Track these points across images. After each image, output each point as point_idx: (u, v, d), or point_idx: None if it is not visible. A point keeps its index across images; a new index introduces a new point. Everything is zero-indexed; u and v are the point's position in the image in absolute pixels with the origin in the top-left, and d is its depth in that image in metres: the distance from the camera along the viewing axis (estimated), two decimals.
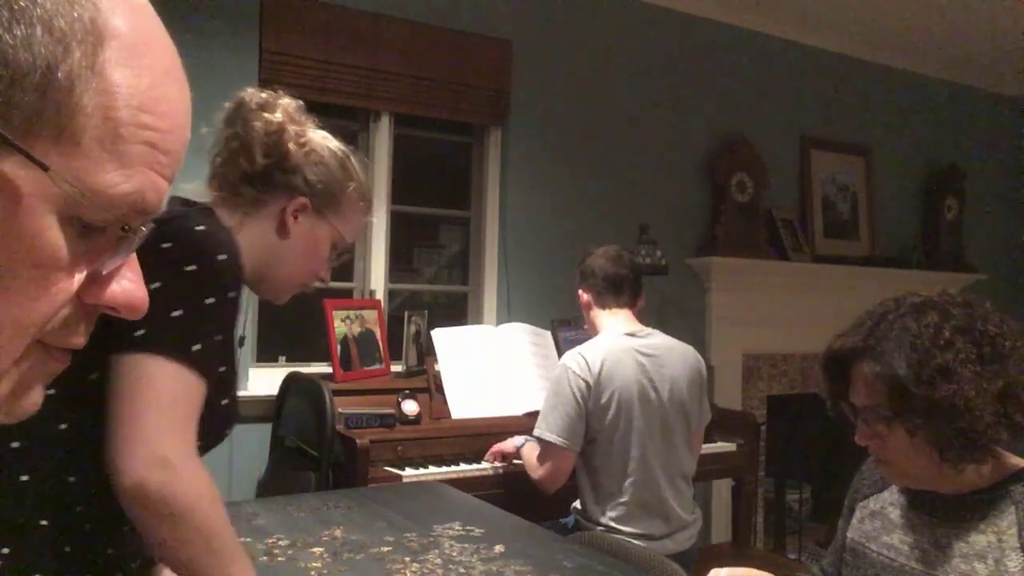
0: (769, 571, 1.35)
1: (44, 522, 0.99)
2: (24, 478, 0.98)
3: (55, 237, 0.43)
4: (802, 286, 4.20)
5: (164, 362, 1.00)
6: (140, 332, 0.99)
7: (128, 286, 0.48)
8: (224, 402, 1.17)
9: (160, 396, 0.99)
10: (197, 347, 1.03)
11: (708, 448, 3.01)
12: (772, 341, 4.17)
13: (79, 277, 0.45)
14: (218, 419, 1.15)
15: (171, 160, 0.48)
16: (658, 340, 2.48)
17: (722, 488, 3.83)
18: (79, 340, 0.48)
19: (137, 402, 0.99)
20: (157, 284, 0.97)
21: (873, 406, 1.26)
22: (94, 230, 0.44)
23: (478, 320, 3.47)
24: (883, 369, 1.22)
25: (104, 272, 0.47)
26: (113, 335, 0.98)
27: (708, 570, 1.33)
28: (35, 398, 0.48)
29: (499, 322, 3.37)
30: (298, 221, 1.27)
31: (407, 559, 1.52)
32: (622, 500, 2.36)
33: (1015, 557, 1.19)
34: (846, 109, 4.53)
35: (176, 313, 1.02)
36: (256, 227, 1.26)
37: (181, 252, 1.05)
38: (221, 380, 1.12)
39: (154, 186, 0.46)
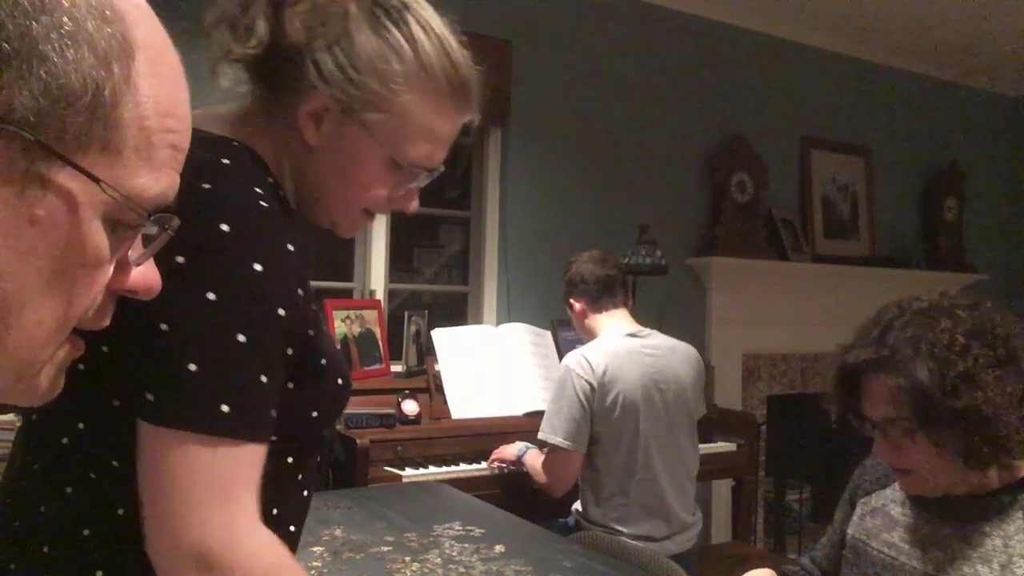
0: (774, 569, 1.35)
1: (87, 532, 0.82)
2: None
3: (101, 239, 0.47)
4: (802, 286, 4.20)
5: (180, 436, 0.74)
6: (149, 396, 0.75)
7: (146, 271, 0.53)
8: (337, 382, 0.91)
9: (179, 479, 0.74)
10: (226, 408, 0.75)
11: (708, 448, 3.02)
12: (772, 341, 4.17)
13: (110, 269, 0.50)
14: (327, 401, 0.90)
15: (183, 156, 0.52)
16: (659, 340, 2.48)
17: (722, 488, 3.83)
18: (106, 322, 0.53)
19: (156, 485, 0.75)
20: (164, 326, 0.74)
21: (894, 418, 1.22)
22: (121, 225, 0.49)
23: (478, 320, 3.47)
24: (905, 381, 1.19)
25: (133, 263, 0.52)
26: (132, 387, 0.76)
27: (708, 570, 1.33)
28: (60, 382, 0.52)
29: (499, 322, 3.37)
30: (321, 127, 0.88)
31: (407, 559, 1.52)
32: (623, 501, 2.36)
33: (1023, 564, 1.18)
34: (846, 109, 4.53)
35: (192, 367, 0.74)
36: (286, 136, 0.89)
37: (192, 270, 0.75)
38: (310, 351, 0.86)
39: (174, 184, 0.51)
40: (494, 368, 3.01)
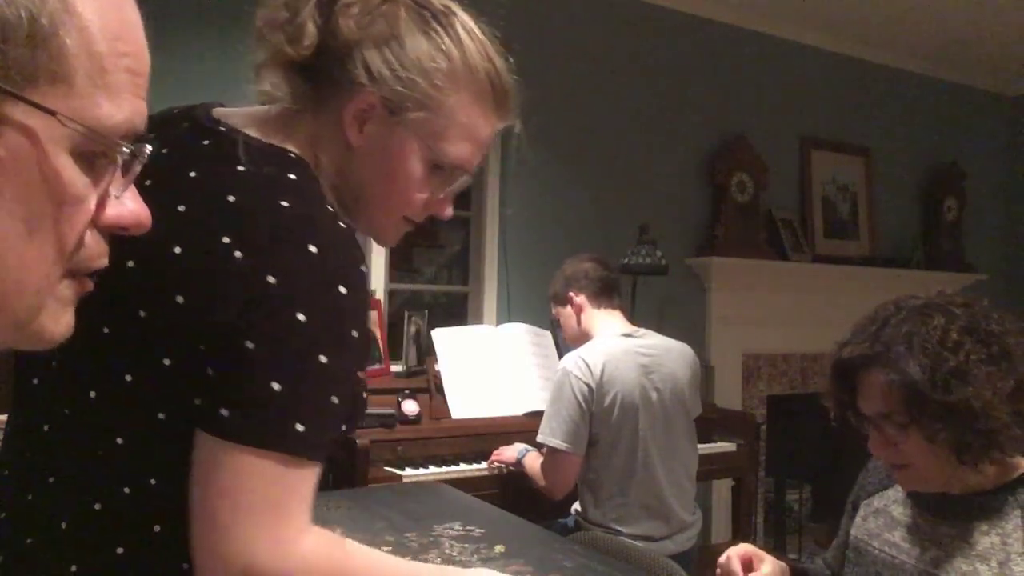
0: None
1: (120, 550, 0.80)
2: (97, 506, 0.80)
3: (72, 174, 0.46)
4: (802, 286, 4.20)
5: (252, 452, 0.74)
6: (224, 411, 0.74)
7: (132, 206, 0.52)
8: (363, 395, 0.92)
9: (241, 494, 0.74)
10: (300, 428, 0.76)
11: (708, 448, 3.02)
12: (772, 341, 4.17)
13: (91, 205, 0.49)
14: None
15: (144, 81, 0.50)
16: (655, 340, 2.48)
17: (722, 488, 3.83)
18: (103, 262, 0.52)
19: (215, 499, 0.74)
20: (251, 344, 0.73)
21: (887, 414, 1.24)
22: (97, 159, 0.48)
23: (478, 320, 3.47)
24: (897, 376, 1.20)
25: (117, 196, 0.51)
26: (200, 403, 0.75)
27: (708, 570, 1.34)
28: (68, 320, 0.51)
29: (499, 322, 3.37)
30: (366, 127, 0.88)
31: (407, 559, 1.52)
32: (623, 501, 2.36)
33: (1021, 562, 1.19)
34: (846, 109, 4.53)
35: (275, 386, 0.74)
36: (329, 138, 0.89)
37: (283, 290, 0.74)
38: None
39: (139, 110, 0.49)
40: (494, 368, 3.01)
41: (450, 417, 2.87)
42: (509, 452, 2.66)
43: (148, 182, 0.79)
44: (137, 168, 0.51)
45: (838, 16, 4.12)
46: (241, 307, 0.73)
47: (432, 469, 2.62)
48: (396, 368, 3.06)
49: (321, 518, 1.83)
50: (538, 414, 2.51)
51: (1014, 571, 1.19)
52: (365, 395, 0.93)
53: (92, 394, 0.79)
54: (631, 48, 3.76)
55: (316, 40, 0.85)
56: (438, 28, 0.88)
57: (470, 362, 2.99)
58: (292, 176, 0.81)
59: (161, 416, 0.77)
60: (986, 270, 4.84)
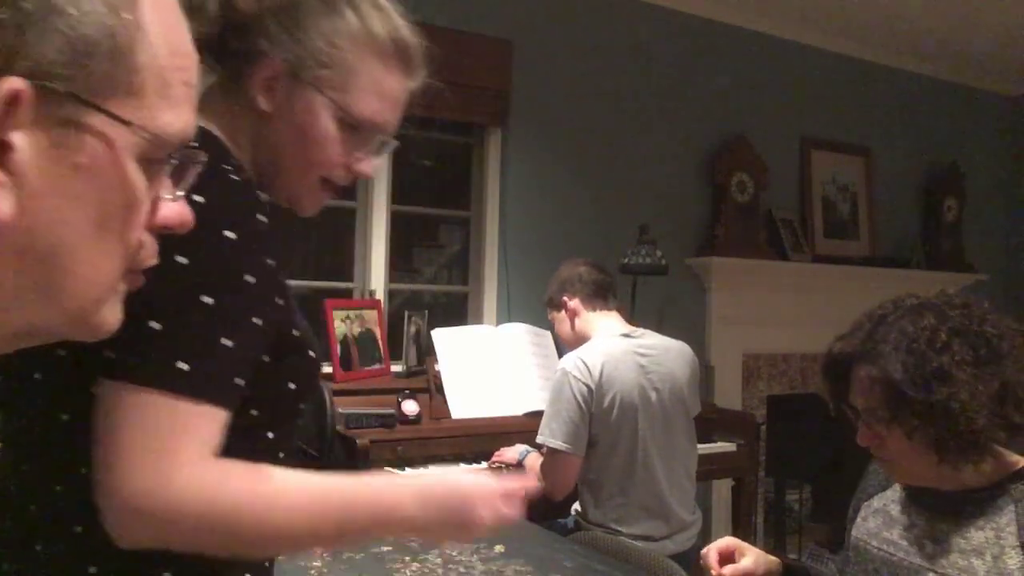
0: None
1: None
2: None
3: (139, 179, 0.51)
4: (802, 286, 4.20)
5: (134, 391, 0.75)
6: (109, 354, 0.75)
7: (175, 206, 0.56)
8: (310, 353, 0.93)
9: (125, 430, 0.75)
10: (183, 365, 0.76)
11: (708, 448, 3.01)
12: (772, 341, 4.17)
13: (147, 207, 0.53)
14: (297, 373, 0.91)
15: (196, 92, 0.55)
16: (654, 340, 2.48)
17: (722, 488, 3.83)
18: (154, 260, 0.56)
19: (104, 439, 0.76)
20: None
21: (871, 408, 1.27)
22: (154, 164, 0.52)
23: (478, 320, 3.47)
24: (879, 373, 1.23)
25: (167, 198, 0.55)
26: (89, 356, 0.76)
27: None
28: (119, 312, 0.55)
29: (499, 322, 3.37)
30: (274, 93, 0.90)
31: (407, 559, 1.52)
32: (623, 501, 2.36)
33: (1014, 555, 1.20)
34: (846, 109, 4.52)
35: (154, 325, 0.76)
36: (241, 112, 0.91)
37: (163, 246, 0.75)
38: (282, 321, 0.87)
39: (192, 120, 0.54)
40: (494, 368, 3.01)
41: (450, 417, 2.87)
42: (510, 453, 2.66)
43: None
44: (192, 172, 0.56)
45: (838, 16, 4.11)
46: None
47: (432, 469, 2.62)
48: (396, 368, 3.06)
49: None
50: (538, 414, 2.51)
51: (1007, 564, 1.20)
52: (312, 353, 0.93)
53: (37, 375, 0.81)
54: (631, 48, 3.76)
55: (217, 15, 0.87)
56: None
57: (470, 362, 2.99)
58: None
59: (93, 389, 0.78)
60: (986, 270, 4.84)
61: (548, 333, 3.21)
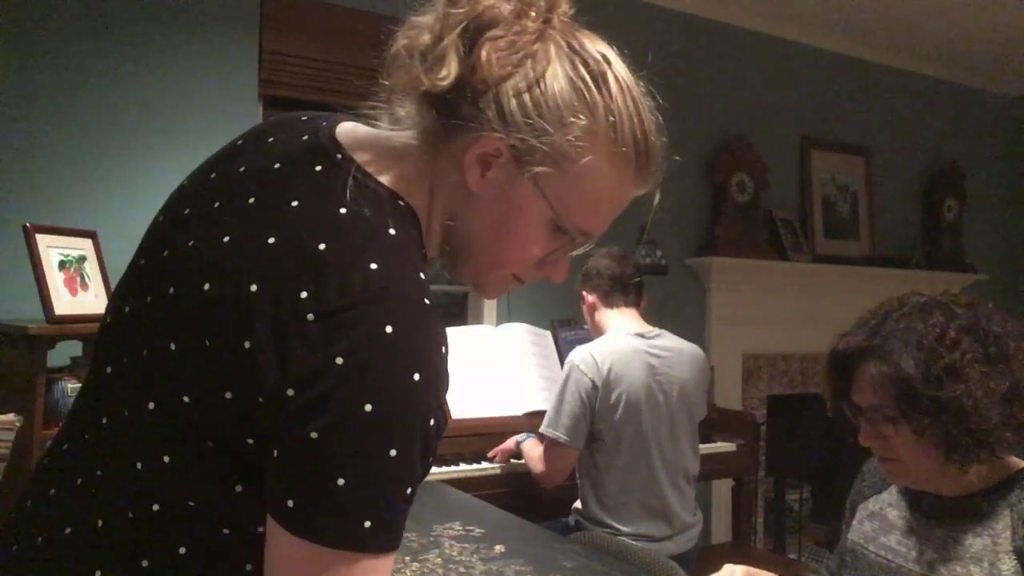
0: (773, 571, 1.35)
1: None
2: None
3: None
4: (802, 286, 4.20)
5: (319, 551, 0.70)
6: (290, 503, 0.69)
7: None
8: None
9: None
10: (368, 524, 0.70)
11: (708, 448, 3.02)
12: (772, 341, 4.17)
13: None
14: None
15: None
16: (667, 341, 2.48)
17: (722, 488, 3.83)
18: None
19: None
20: (315, 434, 0.67)
21: (878, 406, 1.25)
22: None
23: (478, 320, 3.47)
24: (890, 369, 1.22)
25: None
26: (270, 490, 0.71)
27: (708, 570, 1.33)
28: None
29: (499, 322, 3.37)
30: (487, 177, 0.79)
31: (407, 559, 1.52)
32: (624, 501, 2.36)
33: (1008, 561, 1.19)
34: (846, 109, 4.53)
35: (340, 482, 0.68)
36: (443, 174, 0.81)
37: (350, 375, 0.68)
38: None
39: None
40: (494, 368, 3.01)
41: (450, 417, 2.86)
42: (508, 443, 2.67)
43: (252, 200, 0.77)
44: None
45: (838, 16, 4.12)
46: (305, 377, 0.68)
47: (432, 469, 2.61)
48: None
49: None
50: (538, 414, 2.52)
51: (1000, 570, 1.19)
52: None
53: (151, 405, 0.76)
54: (631, 48, 3.74)
55: (456, 73, 0.77)
56: (587, 78, 0.82)
57: (470, 362, 2.99)
58: (392, 232, 0.75)
59: (210, 444, 0.73)
60: (986, 270, 4.85)
61: (548, 333, 3.21)
